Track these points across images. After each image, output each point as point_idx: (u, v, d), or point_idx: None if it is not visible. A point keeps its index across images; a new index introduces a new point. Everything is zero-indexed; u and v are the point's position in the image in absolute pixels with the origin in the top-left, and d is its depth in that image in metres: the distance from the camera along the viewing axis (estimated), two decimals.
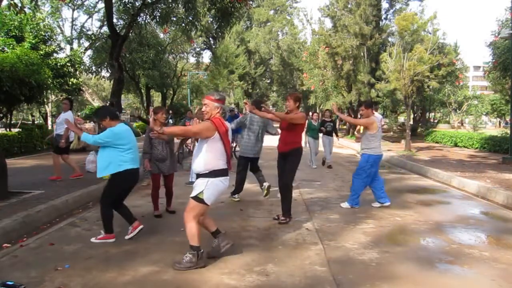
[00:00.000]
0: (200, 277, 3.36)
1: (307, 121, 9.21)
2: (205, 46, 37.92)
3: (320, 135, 10.61)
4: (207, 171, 3.51)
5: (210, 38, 35.49)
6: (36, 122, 29.96)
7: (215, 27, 13.92)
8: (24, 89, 10.21)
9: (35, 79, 10.49)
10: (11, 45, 12.85)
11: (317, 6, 48.49)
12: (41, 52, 14.25)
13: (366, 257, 3.89)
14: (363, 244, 4.26)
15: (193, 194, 3.53)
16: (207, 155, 3.52)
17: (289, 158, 5.15)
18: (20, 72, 9.96)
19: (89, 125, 13.30)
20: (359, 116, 6.51)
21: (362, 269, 3.61)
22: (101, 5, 24.95)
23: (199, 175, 3.56)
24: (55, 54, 16.18)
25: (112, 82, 13.51)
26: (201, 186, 3.50)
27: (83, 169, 8.51)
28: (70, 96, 11.61)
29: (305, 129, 8.68)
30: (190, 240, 3.51)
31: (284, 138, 5.18)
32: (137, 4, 11.84)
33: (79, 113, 22.96)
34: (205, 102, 3.66)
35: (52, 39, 16.26)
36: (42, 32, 15.36)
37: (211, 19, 14.32)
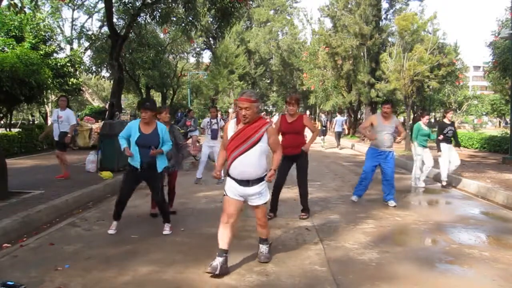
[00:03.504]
0: (200, 277, 3.36)
1: (415, 125, 8.20)
2: (205, 46, 37.88)
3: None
4: (265, 174, 3.52)
5: (210, 38, 35.45)
6: (34, 122, 29.93)
7: (215, 27, 13.92)
8: (24, 89, 10.22)
9: (35, 79, 10.51)
10: (11, 45, 12.85)
11: (317, 6, 48.49)
12: (41, 52, 14.25)
13: (366, 257, 3.89)
14: (363, 244, 4.26)
15: (264, 200, 3.59)
16: (265, 158, 3.52)
17: (300, 160, 5.23)
18: (20, 72, 9.97)
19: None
20: (378, 115, 6.40)
21: (362, 269, 3.61)
22: (101, 5, 24.98)
23: (257, 181, 3.47)
24: (55, 54, 16.18)
25: (112, 82, 13.50)
26: (267, 190, 3.59)
27: (82, 168, 8.52)
28: (65, 94, 11.53)
29: (413, 135, 7.83)
30: (268, 235, 3.81)
31: (292, 141, 5.17)
32: (137, 4, 11.84)
33: (79, 113, 22.93)
34: (245, 106, 3.37)
35: (52, 39, 16.26)
36: (42, 32, 15.36)
37: (211, 19, 14.31)
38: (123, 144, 4.51)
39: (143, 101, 4.75)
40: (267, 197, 3.60)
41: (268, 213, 5.22)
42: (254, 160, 3.41)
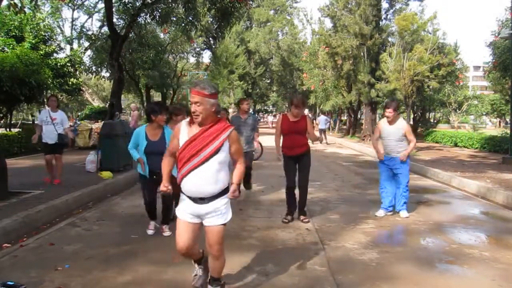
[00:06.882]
0: None
1: None
2: (205, 46, 37.84)
3: None
4: (226, 187, 2.80)
5: (210, 38, 35.41)
6: (33, 122, 29.88)
7: (215, 27, 13.91)
8: (24, 89, 10.22)
9: (35, 79, 10.50)
10: (11, 45, 12.84)
11: (317, 6, 48.43)
12: (41, 52, 14.23)
13: (366, 257, 3.90)
14: (363, 244, 4.26)
15: (223, 221, 2.79)
16: (226, 169, 2.83)
17: (304, 159, 5.15)
18: (20, 72, 9.97)
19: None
20: (383, 121, 5.56)
21: (362, 269, 3.61)
22: (101, 5, 24.94)
23: (215, 196, 2.74)
24: (55, 54, 16.15)
25: (112, 82, 13.49)
26: (228, 207, 2.83)
27: (82, 168, 8.51)
28: (55, 94, 11.23)
29: None
30: (221, 272, 2.96)
31: (295, 142, 5.12)
32: (137, 4, 11.83)
33: (79, 113, 22.92)
34: (195, 100, 2.67)
35: (52, 39, 16.24)
36: (42, 32, 15.34)
37: (211, 19, 14.32)
38: (135, 156, 4.55)
39: (155, 106, 4.67)
40: (227, 216, 2.81)
41: (285, 217, 5.14)
42: (211, 174, 2.70)
